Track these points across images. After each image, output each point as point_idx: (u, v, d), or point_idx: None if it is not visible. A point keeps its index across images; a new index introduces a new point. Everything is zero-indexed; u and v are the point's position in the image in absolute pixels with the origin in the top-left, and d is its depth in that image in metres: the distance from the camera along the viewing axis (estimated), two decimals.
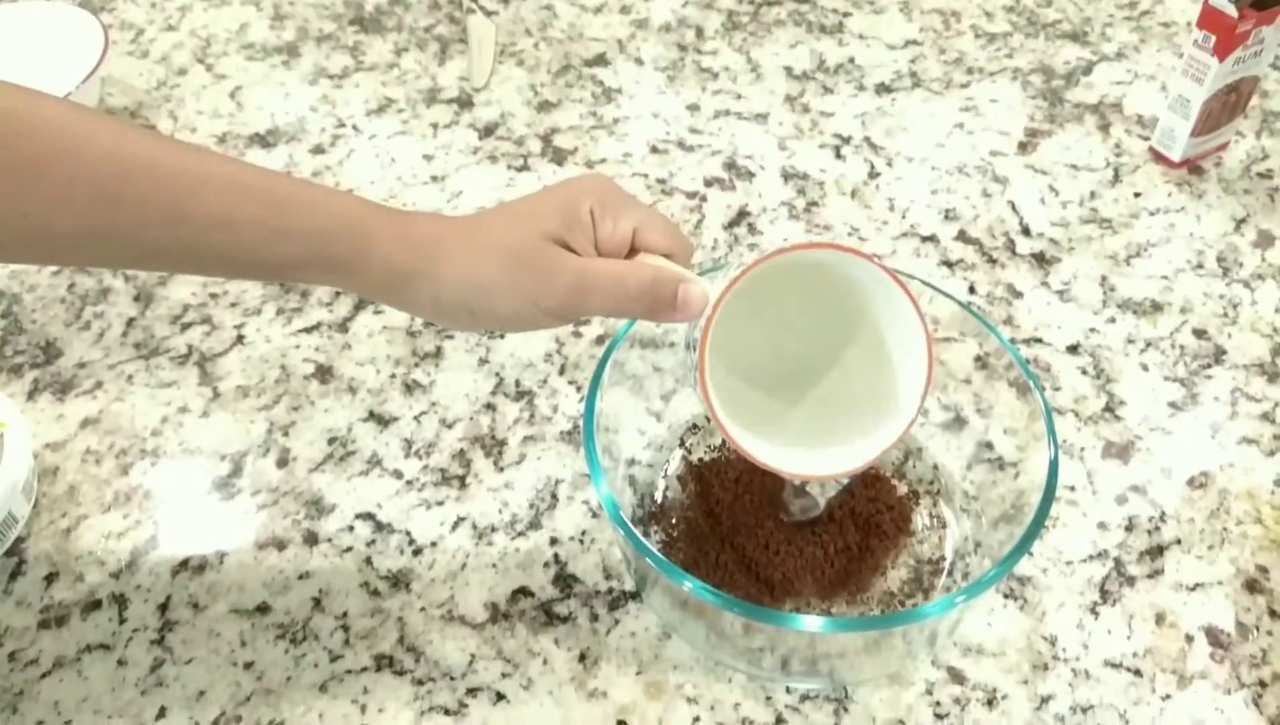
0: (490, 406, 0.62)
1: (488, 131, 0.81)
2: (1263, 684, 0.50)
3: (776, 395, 0.50)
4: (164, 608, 0.54)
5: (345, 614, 0.53)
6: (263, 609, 0.54)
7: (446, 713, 0.50)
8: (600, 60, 0.87)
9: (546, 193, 0.46)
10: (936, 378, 0.46)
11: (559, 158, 0.78)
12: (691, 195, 0.75)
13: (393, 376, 0.64)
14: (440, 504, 0.58)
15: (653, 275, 0.44)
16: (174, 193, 0.41)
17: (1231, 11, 0.67)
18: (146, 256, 0.44)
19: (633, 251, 0.45)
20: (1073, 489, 0.58)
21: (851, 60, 0.87)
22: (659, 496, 0.56)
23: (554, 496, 0.58)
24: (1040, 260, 0.70)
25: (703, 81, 0.85)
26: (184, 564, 0.55)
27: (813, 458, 0.47)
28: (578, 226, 0.44)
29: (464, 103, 0.83)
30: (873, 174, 0.77)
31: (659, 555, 0.45)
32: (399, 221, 0.44)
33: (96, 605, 0.54)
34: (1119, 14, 0.91)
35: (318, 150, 0.79)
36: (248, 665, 0.52)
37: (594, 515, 0.57)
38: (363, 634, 0.53)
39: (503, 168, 0.78)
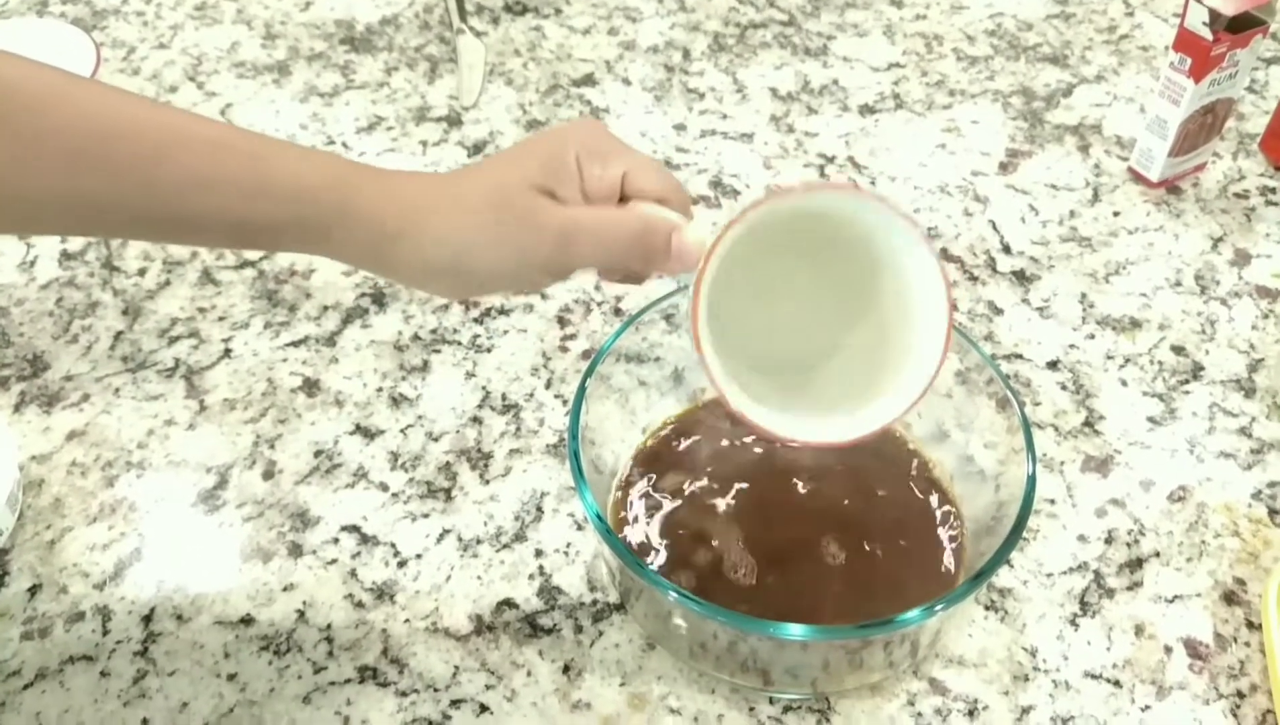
0: (476, 420, 0.63)
1: (476, 149, 0.82)
2: (1241, 695, 0.51)
3: (779, 358, 0.48)
4: (148, 619, 0.54)
5: (329, 626, 0.53)
6: (247, 621, 0.54)
7: (430, 724, 0.50)
8: (588, 80, 0.88)
9: (532, 140, 0.44)
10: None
11: None
12: None
13: (379, 390, 0.64)
14: (426, 517, 0.58)
15: (643, 222, 0.42)
16: (149, 153, 0.40)
17: (1206, 35, 0.68)
18: (123, 222, 0.43)
19: (624, 200, 0.43)
20: (1052, 502, 0.59)
21: (835, 82, 0.88)
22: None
23: (539, 509, 0.58)
24: (1021, 278, 0.71)
25: (689, 102, 0.86)
26: (168, 576, 0.56)
27: (817, 425, 0.45)
28: (564, 173, 0.42)
29: (453, 121, 0.84)
30: None
31: (642, 563, 0.45)
32: (381, 177, 0.43)
33: (80, 617, 0.54)
34: (1098, 38, 0.92)
35: None
36: (231, 677, 0.51)
37: (579, 528, 0.57)
38: (346, 645, 0.53)
39: None
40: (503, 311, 0.69)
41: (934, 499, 0.56)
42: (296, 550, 0.57)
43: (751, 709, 0.50)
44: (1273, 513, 0.58)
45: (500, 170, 0.43)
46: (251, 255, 0.72)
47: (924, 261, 0.42)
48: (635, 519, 0.56)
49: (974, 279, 0.71)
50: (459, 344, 0.67)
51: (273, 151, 0.42)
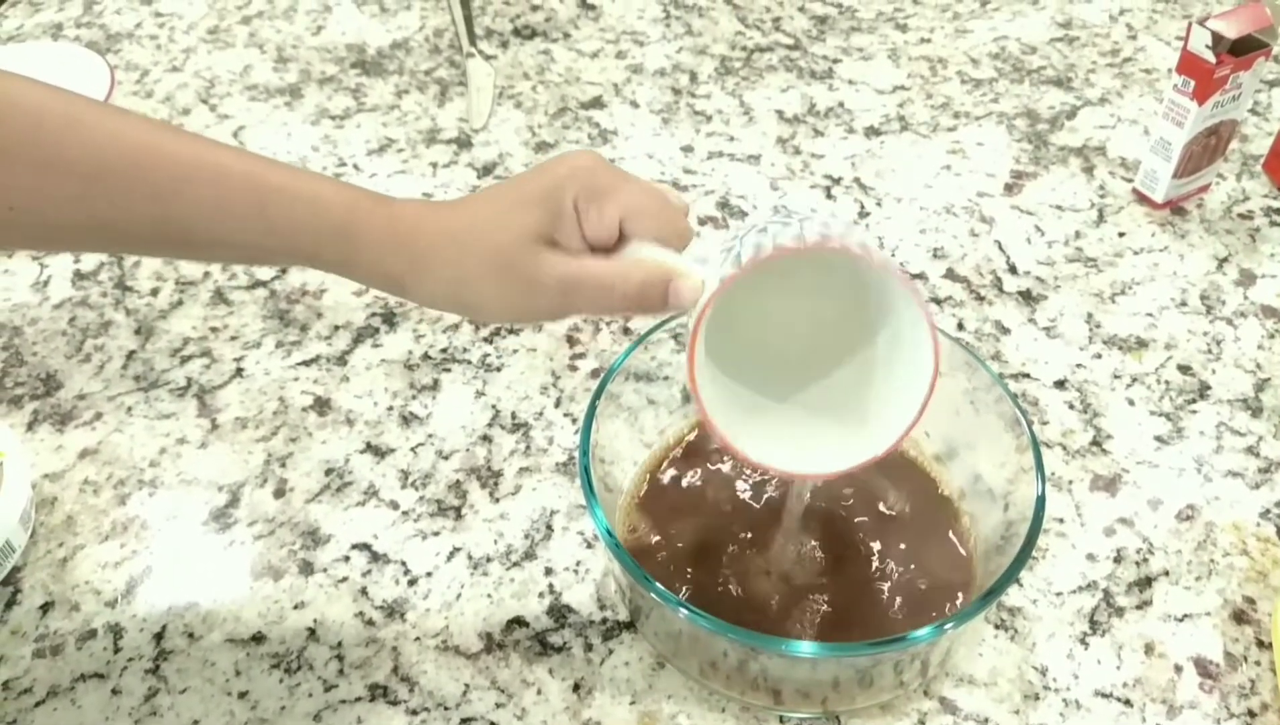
0: (486, 438, 0.63)
1: (486, 171, 0.82)
2: (1252, 714, 0.51)
3: (772, 389, 0.49)
4: (159, 637, 0.54)
5: (340, 644, 0.54)
6: (258, 639, 0.54)
7: None
8: (596, 103, 0.89)
9: (531, 179, 0.45)
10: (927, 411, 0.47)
11: None
12: None
13: (390, 408, 0.65)
14: (436, 534, 0.58)
15: (641, 279, 0.43)
16: (161, 188, 0.41)
17: (1209, 57, 0.69)
18: (136, 246, 0.45)
19: (624, 236, 0.44)
20: (1061, 521, 0.59)
21: (841, 104, 0.89)
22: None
23: (549, 527, 0.59)
24: (1027, 297, 0.72)
25: (696, 124, 0.87)
26: (180, 594, 0.56)
27: (801, 457, 0.46)
28: (562, 221, 0.43)
29: (463, 143, 0.85)
30: (862, 213, 0.78)
31: (652, 580, 0.46)
32: (385, 218, 0.44)
33: (92, 634, 0.54)
34: (1102, 60, 0.93)
35: None
36: (242, 695, 0.52)
37: (588, 546, 0.58)
38: (357, 664, 0.53)
39: None
40: (512, 331, 0.69)
41: (943, 517, 0.56)
42: (307, 568, 0.57)
43: None
44: None
45: (502, 217, 0.44)
46: (263, 275, 0.73)
47: (915, 317, 0.43)
48: (644, 536, 0.56)
49: (980, 299, 0.72)
50: (469, 363, 0.68)
51: (278, 186, 0.43)
